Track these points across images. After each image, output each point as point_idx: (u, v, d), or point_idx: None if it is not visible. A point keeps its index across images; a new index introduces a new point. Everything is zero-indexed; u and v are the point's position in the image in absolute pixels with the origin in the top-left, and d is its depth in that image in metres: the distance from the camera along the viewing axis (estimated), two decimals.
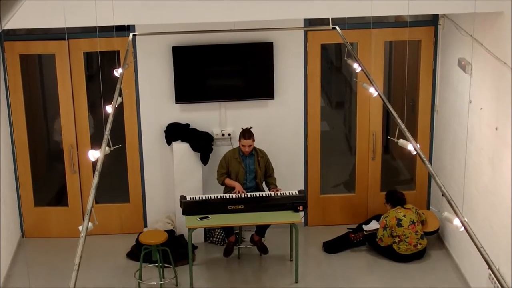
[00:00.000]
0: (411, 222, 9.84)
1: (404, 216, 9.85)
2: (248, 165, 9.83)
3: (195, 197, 9.62)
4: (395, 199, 10.05)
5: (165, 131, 10.45)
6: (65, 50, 10.02)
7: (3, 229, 9.51)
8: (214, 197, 9.65)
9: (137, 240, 10.02)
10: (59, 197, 11.10)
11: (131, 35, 8.68)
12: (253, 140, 9.75)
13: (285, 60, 10.36)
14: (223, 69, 10.46)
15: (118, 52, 9.73)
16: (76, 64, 10.19)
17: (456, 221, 4.94)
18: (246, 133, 9.75)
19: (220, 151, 10.28)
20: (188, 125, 10.46)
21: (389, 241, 9.94)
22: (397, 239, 9.86)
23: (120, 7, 7.80)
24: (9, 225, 10.00)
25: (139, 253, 9.51)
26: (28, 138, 10.42)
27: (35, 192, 10.68)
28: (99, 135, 6.41)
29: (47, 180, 11.68)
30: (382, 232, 9.92)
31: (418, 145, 5.81)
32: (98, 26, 7.93)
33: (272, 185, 9.89)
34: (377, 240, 10.02)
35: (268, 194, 9.67)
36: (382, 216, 10.07)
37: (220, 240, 10.50)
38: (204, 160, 10.35)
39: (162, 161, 10.59)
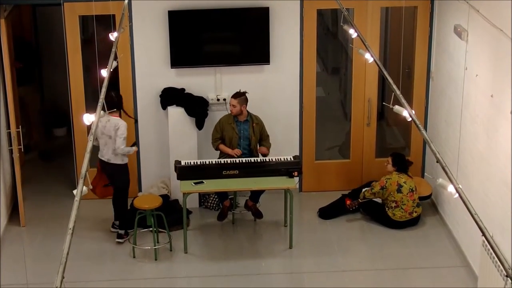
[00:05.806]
0: (410, 190, 9.84)
1: (405, 182, 9.83)
2: (242, 131, 9.81)
3: (190, 162, 9.62)
4: (403, 165, 9.95)
5: (160, 96, 10.42)
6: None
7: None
8: (209, 162, 9.64)
9: (131, 205, 10.03)
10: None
11: None
12: (240, 104, 9.68)
13: (281, 25, 10.31)
14: (219, 33, 10.41)
15: (114, 16, 9.67)
16: (71, 28, 10.11)
17: (451, 188, 4.95)
18: (236, 93, 9.76)
19: (215, 116, 10.26)
20: (183, 89, 10.42)
21: (369, 196, 9.97)
22: (393, 204, 9.87)
23: None
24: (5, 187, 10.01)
25: (133, 217, 9.53)
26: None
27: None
28: (94, 99, 6.38)
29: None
30: (377, 189, 9.90)
31: (414, 112, 5.80)
32: None
33: (264, 146, 9.89)
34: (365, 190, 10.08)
35: (263, 159, 9.66)
36: (384, 177, 10.00)
37: (214, 205, 10.51)
38: (199, 125, 10.33)
39: (157, 125, 10.57)
